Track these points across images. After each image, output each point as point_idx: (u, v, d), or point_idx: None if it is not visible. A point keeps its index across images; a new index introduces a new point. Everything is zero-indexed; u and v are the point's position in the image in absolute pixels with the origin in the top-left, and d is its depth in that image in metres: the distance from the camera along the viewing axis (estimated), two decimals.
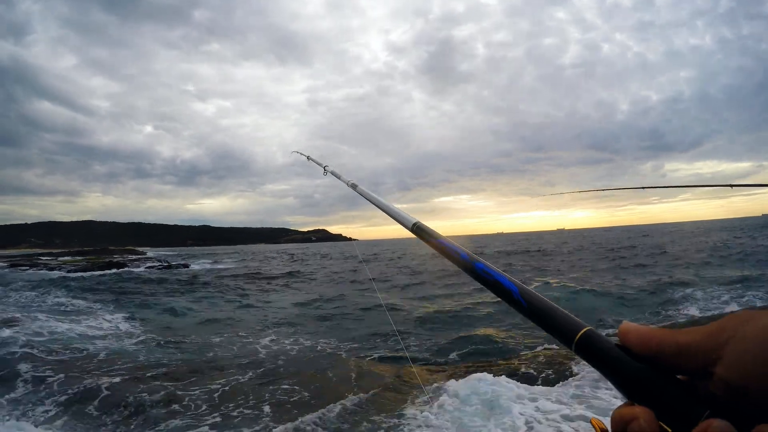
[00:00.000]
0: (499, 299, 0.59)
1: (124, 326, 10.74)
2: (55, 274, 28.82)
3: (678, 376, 0.43)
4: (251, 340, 9.38)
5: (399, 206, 1.07)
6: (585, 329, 0.48)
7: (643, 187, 2.38)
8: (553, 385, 5.01)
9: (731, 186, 2.01)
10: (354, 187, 1.60)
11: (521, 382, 4.96)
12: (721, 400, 0.40)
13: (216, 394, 5.42)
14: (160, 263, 38.87)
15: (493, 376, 5.00)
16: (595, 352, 0.47)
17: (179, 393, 5.40)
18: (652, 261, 23.23)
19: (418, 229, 0.87)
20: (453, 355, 7.81)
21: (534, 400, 4.40)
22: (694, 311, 10.37)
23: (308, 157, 2.42)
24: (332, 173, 1.91)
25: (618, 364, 0.45)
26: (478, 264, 0.65)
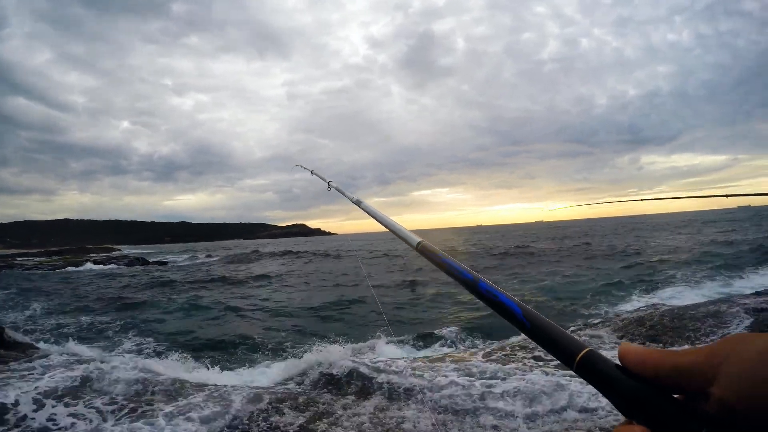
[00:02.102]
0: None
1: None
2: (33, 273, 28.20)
3: (675, 396, 0.45)
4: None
5: (403, 223, 1.08)
6: (586, 350, 0.50)
7: (642, 200, 2.42)
8: None
9: (726, 196, 2.04)
10: (358, 203, 1.61)
11: None
12: (716, 419, 0.43)
13: None
14: (138, 261, 39.34)
15: None
16: (595, 372, 0.49)
17: None
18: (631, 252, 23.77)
19: (422, 247, 0.89)
20: None
21: None
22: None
23: (312, 172, 2.37)
24: (336, 189, 1.90)
25: (617, 384, 0.47)
26: (481, 284, 0.65)
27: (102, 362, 5.96)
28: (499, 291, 0.62)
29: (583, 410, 4.50)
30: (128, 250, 68.50)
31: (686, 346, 5.60)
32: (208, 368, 7.21)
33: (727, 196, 2.04)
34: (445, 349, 8.31)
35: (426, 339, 9.24)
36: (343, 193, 1.75)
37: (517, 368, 5.63)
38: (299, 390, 5.47)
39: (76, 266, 35.10)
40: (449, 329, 9.76)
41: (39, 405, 4.60)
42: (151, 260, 41.40)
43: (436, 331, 9.61)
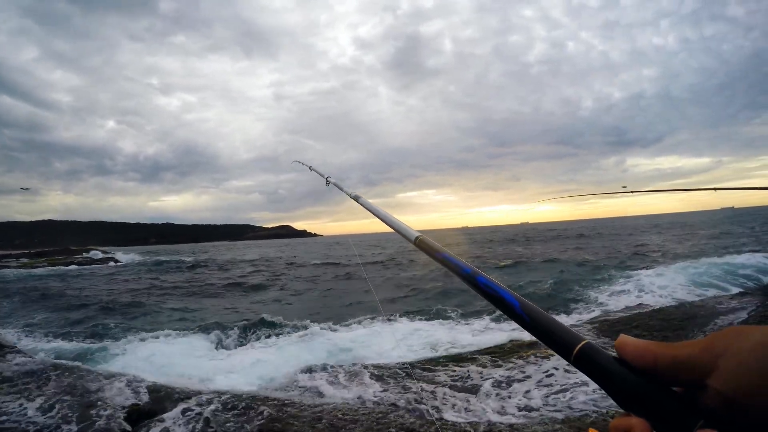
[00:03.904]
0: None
1: None
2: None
3: (673, 388, 0.45)
4: None
5: (401, 219, 1.07)
6: (583, 342, 0.50)
7: (632, 192, 2.45)
8: None
9: (715, 189, 2.10)
10: (356, 198, 1.60)
11: None
12: (714, 411, 0.44)
13: None
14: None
15: None
16: (592, 365, 0.48)
17: None
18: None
19: (420, 242, 0.89)
20: None
21: None
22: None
23: (311, 168, 2.37)
24: (335, 184, 1.90)
25: (615, 376, 0.47)
26: (480, 278, 0.66)
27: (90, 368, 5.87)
28: (498, 285, 0.63)
29: (573, 404, 4.56)
30: (115, 253, 67.32)
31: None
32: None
33: (716, 189, 2.10)
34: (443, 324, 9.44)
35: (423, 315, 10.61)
36: (342, 189, 1.74)
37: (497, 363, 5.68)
38: (281, 395, 5.44)
39: (65, 266, 34.89)
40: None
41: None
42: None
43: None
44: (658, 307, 8.52)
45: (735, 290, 9.92)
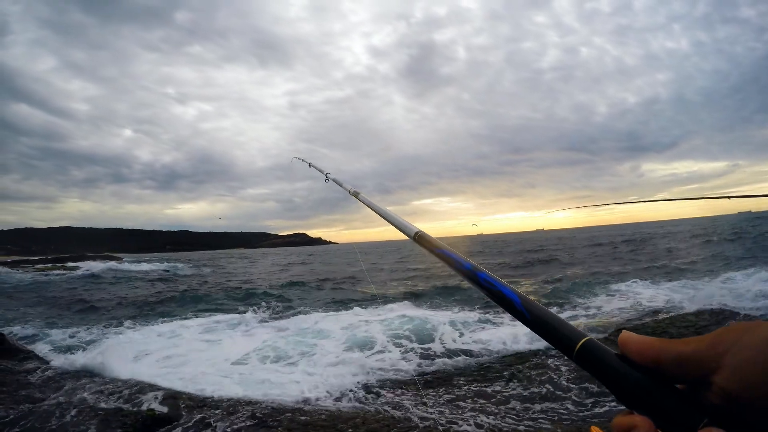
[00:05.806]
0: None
1: None
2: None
3: (677, 385, 0.44)
4: None
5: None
6: (585, 339, 0.49)
7: (648, 201, 2.41)
8: None
9: (729, 197, 2.05)
10: (356, 194, 1.59)
11: None
12: (718, 409, 0.43)
13: None
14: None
15: None
16: (594, 361, 0.48)
17: None
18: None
19: (420, 238, 0.88)
20: None
21: None
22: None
23: (310, 164, 2.38)
24: (334, 180, 1.89)
25: (617, 373, 0.46)
26: (481, 274, 0.65)
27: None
28: (498, 281, 0.62)
29: (575, 402, 4.52)
30: (129, 259, 67.98)
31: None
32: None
33: (729, 197, 2.05)
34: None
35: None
36: (341, 185, 1.74)
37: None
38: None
39: (80, 271, 35.63)
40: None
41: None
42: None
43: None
44: (675, 314, 8.43)
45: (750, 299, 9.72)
